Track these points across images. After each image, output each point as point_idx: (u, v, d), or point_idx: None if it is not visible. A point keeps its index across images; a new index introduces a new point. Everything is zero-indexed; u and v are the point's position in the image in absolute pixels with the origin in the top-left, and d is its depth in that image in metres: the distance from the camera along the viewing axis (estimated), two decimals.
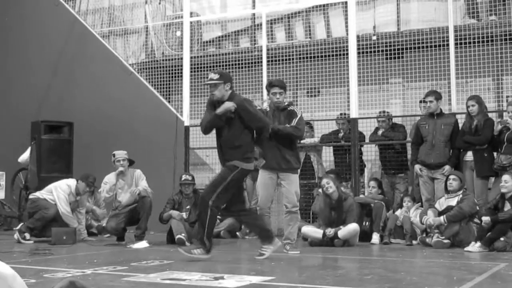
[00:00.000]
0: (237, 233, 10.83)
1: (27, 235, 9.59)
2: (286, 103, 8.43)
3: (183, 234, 9.21)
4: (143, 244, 9.18)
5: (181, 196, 9.96)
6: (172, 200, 9.97)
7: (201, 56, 12.77)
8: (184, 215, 9.76)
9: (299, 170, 8.68)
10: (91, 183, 9.98)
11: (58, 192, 9.84)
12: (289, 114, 8.30)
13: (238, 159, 7.16)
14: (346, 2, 11.43)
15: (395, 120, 11.07)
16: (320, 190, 9.81)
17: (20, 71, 13.83)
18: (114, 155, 9.75)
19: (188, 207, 9.85)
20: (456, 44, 10.47)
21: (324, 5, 12.18)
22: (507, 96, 10.78)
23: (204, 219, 7.09)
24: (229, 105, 7.15)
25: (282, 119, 8.27)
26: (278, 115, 8.31)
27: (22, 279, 5.33)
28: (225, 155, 7.27)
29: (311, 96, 12.01)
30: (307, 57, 11.82)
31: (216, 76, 7.26)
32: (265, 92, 11.58)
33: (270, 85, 8.53)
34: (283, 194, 8.41)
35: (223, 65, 12.23)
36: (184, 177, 10.13)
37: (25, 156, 12.00)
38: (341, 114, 11.38)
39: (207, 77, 7.42)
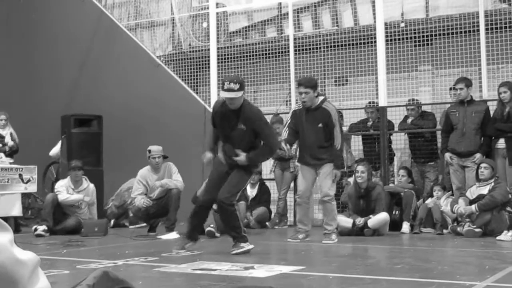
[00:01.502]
0: (267, 223, 10.83)
1: (40, 227, 9.64)
2: (319, 101, 8.28)
3: (212, 225, 9.21)
4: (173, 235, 9.22)
5: None
6: None
7: (228, 47, 12.76)
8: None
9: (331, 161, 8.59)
10: (76, 167, 10.07)
11: (56, 189, 10.12)
12: (322, 113, 8.19)
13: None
14: None
15: (424, 108, 10.97)
16: (350, 179, 9.78)
17: (48, 66, 13.93)
18: (149, 151, 9.78)
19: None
20: (486, 29, 10.33)
21: None
22: None
23: (231, 218, 7.12)
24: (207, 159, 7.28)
25: (312, 119, 8.20)
26: (310, 115, 8.23)
27: (56, 270, 5.41)
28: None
29: (339, 85, 11.95)
30: (334, 46, 11.75)
31: (237, 87, 6.80)
32: (292, 82, 11.59)
33: (297, 85, 8.55)
34: (319, 184, 8.48)
35: (250, 56, 12.22)
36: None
37: (56, 150, 12.11)
38: (369, 102, 11.31)
39: (222, 84, 6.92)
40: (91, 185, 10.27)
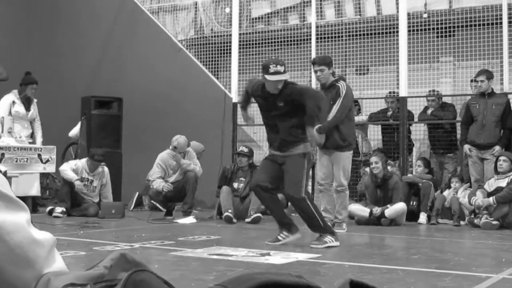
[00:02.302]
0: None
1: (58, 209, 9.69)
2: (333, 79, 8.21)
3: (229, 211, 9.24)
4: (190, 220, 9.27)
5: (236, 167, 9.99)
6: (226, 169, 10.00)
7: (250, 33, 12.75)
8: (236, 185, 9.79)
9: (352, 147, 8.47)
10: (97, 160, 10.11)
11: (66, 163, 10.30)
12: (335, 91, 8.09)
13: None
14: None
15: (445, 99, 10.93)
16: (367, 169, 9.77)
17: (71, 47, 13.99)
18: (175, 147, 9.77)
19: (242, 178, 9.84)
20: (509, 22, 10.25)
21: None
22: None
23: (303, 212, 6.64)
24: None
25: (329, 97, 8.05)
26: (326, 94, 8.00)
27: (72, 251, 5.46)
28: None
29: (360, 74, 11.92)
30: (356, 35, 11.71)
31: (283, 69, 6.45)
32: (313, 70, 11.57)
33: (312, 64, 8.45)
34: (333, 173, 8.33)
35: (271, 42, 12.20)
36: (240, 148, 10.17)
37: (75, 131, 12.17)
38: (390, 92, 11.27)
39: (266, 68, 6.47)
40: (106, 169, 10.31)
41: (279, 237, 6.62)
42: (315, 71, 8.26)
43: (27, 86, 10.74)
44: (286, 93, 6.50)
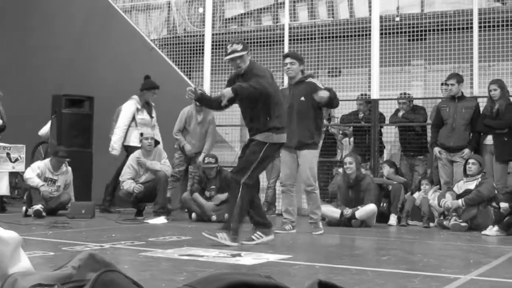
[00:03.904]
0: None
1: (36, 206, 9.53)
2: (302, 76, 8.18)
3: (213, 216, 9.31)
4: (161, 220, 9.23)
5: (205, 176, 9.77)
6: (199, 177, 9.87)
7: (223, 33, 12.74)
8: (208, 194, 9.73)
9: (318, 147, 8.47)
10: (62, 156, 9.95)
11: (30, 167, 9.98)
12: (309, 87, 8.04)
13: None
14: None
15: (416, 102, 11.01)
16: (339, 169, 9.81)
17: (42, 45, 13.85)
18: (141, 134, 9.82)
19: (212, 187, 9.71)
20: (480, 27, 10.37)
21: None
22: None
23: (232, 199, 6.63)
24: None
25: (297, 93, 8.03)
26: (294, 89, 8.08)
27: (41, 251, 5.40)
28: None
29: (332, 76, 11.96)
30: (329, 37, 11.75)
31: (240, 47, 6.54)
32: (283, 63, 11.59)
33: (283, 57, 8.37)
34: (299, 172, 8.24)
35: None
36: (207, 159, 9.78)
37: (45, 130, 12.05)
38: (361, 94, 11.33)
39: (225, 51, 6.66)
40: (69, 169, 10.17)
41: (253, 236, 6.63)
42: (285, 64, 8.17)
43: (149, 91, 10.41)
44: (249, 77, 6.54)
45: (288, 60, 8.17)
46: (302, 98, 8.01)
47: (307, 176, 8.08)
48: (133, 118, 10.28)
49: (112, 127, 10.35)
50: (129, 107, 10.16)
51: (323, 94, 7.79)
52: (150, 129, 10.32)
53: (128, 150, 10.25)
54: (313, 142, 8.14)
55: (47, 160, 10.08)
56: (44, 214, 9.35)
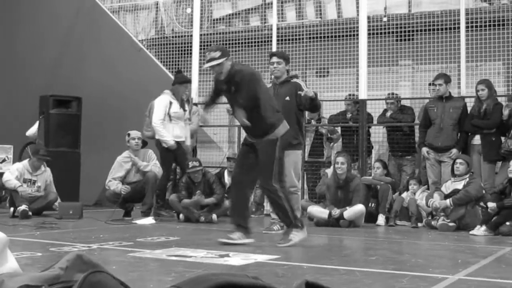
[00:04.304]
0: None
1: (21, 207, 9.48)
2: (288, 76, 8.14)
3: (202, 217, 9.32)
4: (148, 220, 9.20)
5: (190, 181, 9.65)
6: (186, 183, 9.75)
7: (211, 34, 12.74)
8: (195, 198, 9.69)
9: (302, 147, 8.42)
10: (42, 155, 9.89)
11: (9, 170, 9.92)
12: (294, 87, 7.97)
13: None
14: None
15: (403, 102, 11.05)
16: (327, 170, 9.81)
17: (29, 45, 13.81)
18: (129, 134, 9.79)
19: (198, 191, 9.62)
20: (467, 27, 10.42)
21: None
22: None
23: (274, 203, 6.72)
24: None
25: (282, 92, 7.96)
26: (280, 88, 8.01)
27: (29, 252, 5.38)
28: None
29: (320, 76, 11.99)
30: (317, 37, 11.78)
31: (217, 54, 6.47)
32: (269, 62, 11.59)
33: (270, 56, 8.32)
34: None
35: (232, 43, 12.20)
36: (191, 164, 9.59)
37: (33, 130, 12.01)
38: (349, 95, 11.35)
39: (204, 58, 6.69)
40: (48, 169, 10.11)
41: (232, 235, 6.59)
42: (272, 63, 8.13)
43: (181, 85, 10.18)
44: (235, 80, 6.52)
45: (274, 59, 8.15)
46: (287, 98, 7.95)
47: (291, 177, 7.94)
48: (168, 112, 10.04)
49: (145, 123, 10.21)
50: (162, 101, 9.96)
51: (309, 91, 7.73)
52: (183, 123, 10.14)
53: (160, 144, 9.90)
54: (298, 143, 8.07)
55: (26, 161, 10.01)
56: (30, 213, 9.31)
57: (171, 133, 9.76)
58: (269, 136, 6.61)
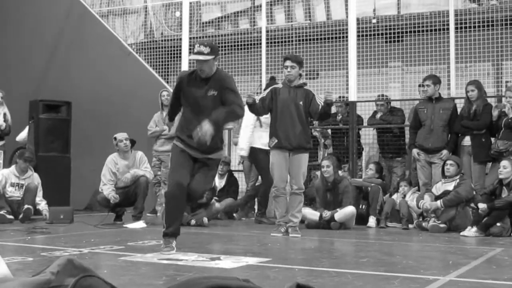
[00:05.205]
0: (234, 214, 10.85)
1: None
2: (301, 82, 8.22)
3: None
4: (140, 224, 9.19)
5: None
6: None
7: (200, 37, 12.74)
8: None
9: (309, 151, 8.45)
10: (28, 158, 9.86)
11: None
12: (307, 94, 8.08)
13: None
14: None
15: (393, 104, 11.08)
16: (317, 172, 9.82)
17: (18, 50, 13.78)
18: (115, 138, 9.73)
19: None
20: (456, 28, 10.46)
21: None
22: (507, 81, 10.78)
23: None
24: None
25: (297, 96, 8.05)
26: (293, 92, 8.07)
27: (19, 257, 5.36)
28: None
29: (310, 78, 12.00)
30: (306, 40, 11.81)
31: (207, 50, 6.01)
32: (263, 74, 11.60)
33: (283, 60, 8.32)
34: (290, 174, 8.17)
35: (222, 46, 12.20)
36: None
37: (23, 135, 11.98)
38: (339, 97, 11.38)
39: (192, 49, 6.32)
40: (35, 174, 10.08)
41: (173, 245, 6.22)
42: (286, 67, 8.12)
43: None
44: (215, 80, 6.14)
45: (288, 63, 8.15)
46: (301, 103, 8.04)
47: (300, 179, 8.07)
48: (258, 118, 9.79)
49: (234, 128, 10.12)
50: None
51: (332, 94, 7.85)
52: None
53: (252, 151, 9.80)
54: (309, 147, 8.25)
55: (13, 166, 9.98)
56: (11, 217, 9.32)
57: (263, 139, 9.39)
58: (218, 152, 6.34)
